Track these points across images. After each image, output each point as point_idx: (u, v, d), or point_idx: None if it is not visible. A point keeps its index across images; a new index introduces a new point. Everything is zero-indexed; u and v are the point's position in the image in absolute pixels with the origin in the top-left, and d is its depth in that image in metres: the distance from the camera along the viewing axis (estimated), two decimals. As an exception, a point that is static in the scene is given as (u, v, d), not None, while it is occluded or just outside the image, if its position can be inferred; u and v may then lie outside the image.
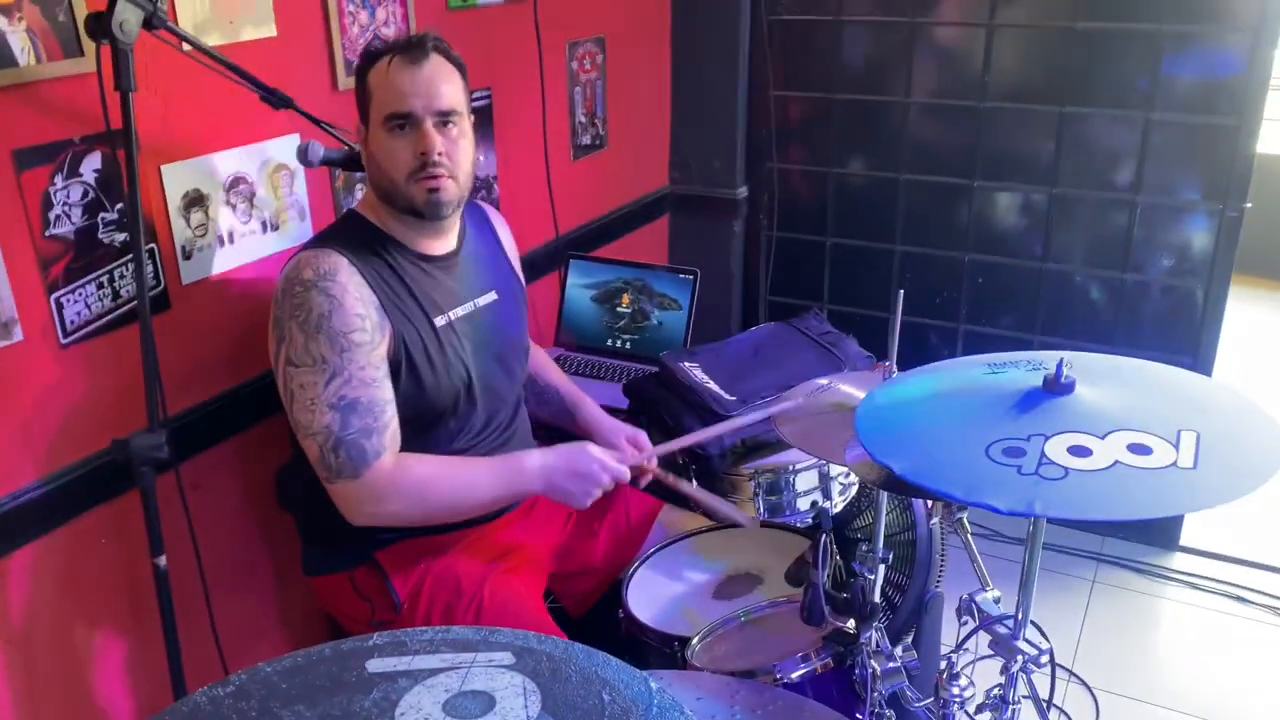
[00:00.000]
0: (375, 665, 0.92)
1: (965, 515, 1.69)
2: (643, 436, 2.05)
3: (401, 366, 1.68)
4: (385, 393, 1.63)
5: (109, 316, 1.65)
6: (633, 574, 1.86)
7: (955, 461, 1.17)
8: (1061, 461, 1.13)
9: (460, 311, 1.78)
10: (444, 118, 1.65)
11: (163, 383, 1.59)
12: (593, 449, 1.76)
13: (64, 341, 1.59)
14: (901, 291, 1.72)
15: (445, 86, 1.64)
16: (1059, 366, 1.24)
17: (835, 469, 2.15)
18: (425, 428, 1.73)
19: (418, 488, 1.65)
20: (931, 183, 3.06)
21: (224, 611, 1.87)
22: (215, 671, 1.87)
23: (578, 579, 2.00)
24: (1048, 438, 1.17)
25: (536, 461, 1.74)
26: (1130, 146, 2.78)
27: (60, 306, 1.57)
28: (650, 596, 1.81)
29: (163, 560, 1.58)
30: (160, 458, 1.53)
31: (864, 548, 1.60)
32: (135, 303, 1.57)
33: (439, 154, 1.64)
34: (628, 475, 1.78)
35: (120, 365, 1.66)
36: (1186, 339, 2.85)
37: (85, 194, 1.59)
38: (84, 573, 1.67)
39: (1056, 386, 1.24)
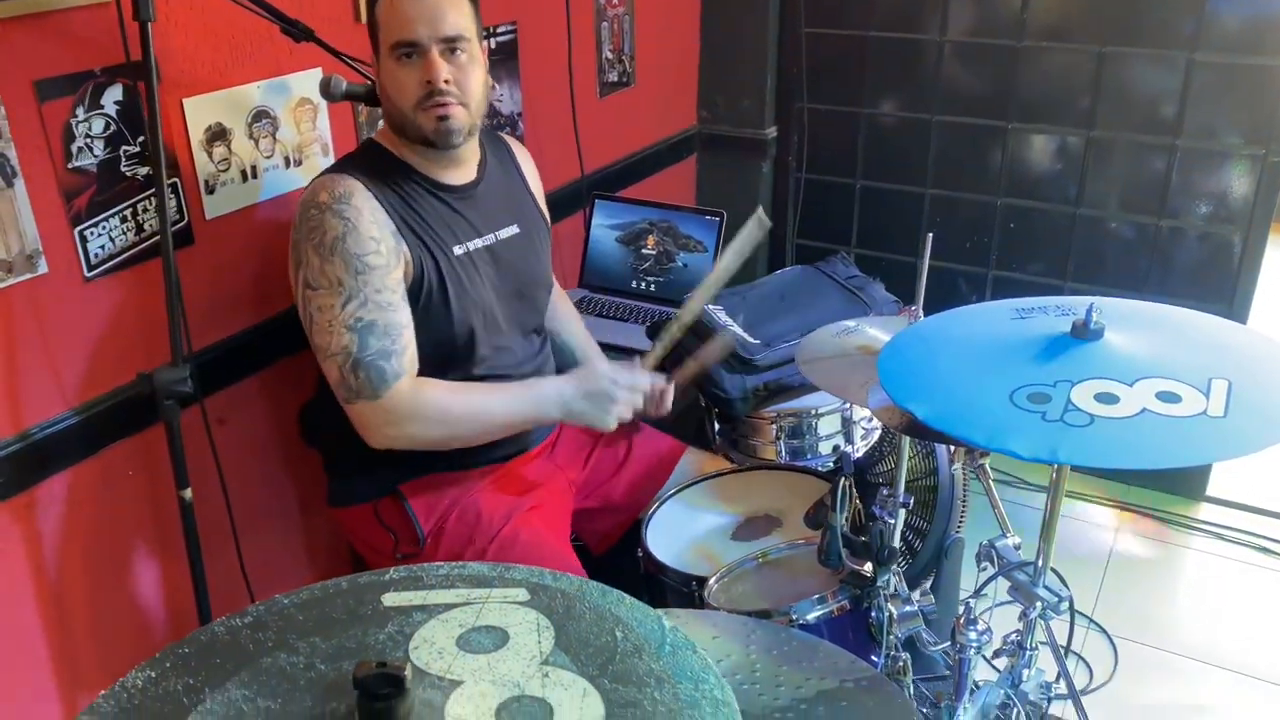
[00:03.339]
0: (391, 599, 0.93)
1: (987, 461, 1.68)
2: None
3: (420, 293, 1.67)
4: (402, 316, 1.64)
5: (133, 250, 1.65)
6: (653, 514, 1.87)
7: (978, 407, 1.15)
8: (1087, 408, 1.11)
9: (479, 243, 1.77)
10: (450, 44, 1.62)
11: (187, 317, 1.60)
12: (600, 366, 1.79)
13: (88, 275, 1.59)
14: (930, 235, 1.70)
15: (451, 13, 1.62)
16: (1088, 312, 1.22)
17: (858, 413, 2.14)
18: (443, 359, 1.73)
19: (436, 410, 1.66)
20: (965, 124, 3.00)
21: (250, 543, 1.90)
22: (242, 602, 1.90)
23: (599, 516, 2.01)
24: (1074, 384, 1.15)
25: (553, 387, 1.75)
26: (1171, 88, 2.70)
27: (84, 239, 1.57)
28: (670, 536, 1.82)
29: (188, 493, 1.60)
30: (184, 391, 1.54)
31: (885, 492, 1.60)
32: (158, 237, 1.57)
33: (445, 81, 1.62)
34: (644, 383, 1.76)
35: (144, 299, 1.67)
36: (1222, 287, 2.79)
37: (107, 126, 1.58)
38: (112, 504, 1.70)
39: (1085, 333, 1.22)
